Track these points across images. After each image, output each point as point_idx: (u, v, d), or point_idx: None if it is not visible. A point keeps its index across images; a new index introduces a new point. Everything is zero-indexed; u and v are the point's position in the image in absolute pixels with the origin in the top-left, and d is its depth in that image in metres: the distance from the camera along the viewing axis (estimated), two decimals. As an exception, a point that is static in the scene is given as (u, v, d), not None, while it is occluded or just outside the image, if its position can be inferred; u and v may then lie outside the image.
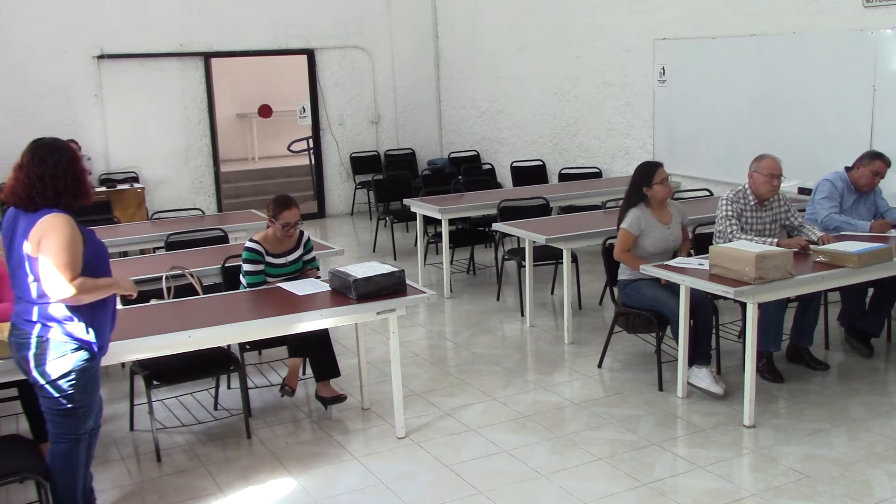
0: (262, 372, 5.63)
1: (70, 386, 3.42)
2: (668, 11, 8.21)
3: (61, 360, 3.39)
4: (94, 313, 3.45)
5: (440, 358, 5.92)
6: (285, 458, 4.43)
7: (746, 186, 5.30)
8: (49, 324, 3.37)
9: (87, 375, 3.46)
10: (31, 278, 3.36)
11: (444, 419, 4.84)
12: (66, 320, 3.38)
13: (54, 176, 3.34)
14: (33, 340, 3.38)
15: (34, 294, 3.37)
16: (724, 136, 7.77)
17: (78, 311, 3.39)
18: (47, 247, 3.28)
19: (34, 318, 3.38)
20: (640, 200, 5.24)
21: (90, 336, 3.43)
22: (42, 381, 3.41)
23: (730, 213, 5.22)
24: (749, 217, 5.27)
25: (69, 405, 3.45)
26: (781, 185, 5.28)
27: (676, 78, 8.22)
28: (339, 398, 4.96)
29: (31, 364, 3.40)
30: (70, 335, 3.39)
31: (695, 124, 8.11)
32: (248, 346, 4.92)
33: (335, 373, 4.98)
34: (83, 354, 3.42)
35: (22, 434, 4.32)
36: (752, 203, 5.27)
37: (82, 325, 3.41)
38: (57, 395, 3.42)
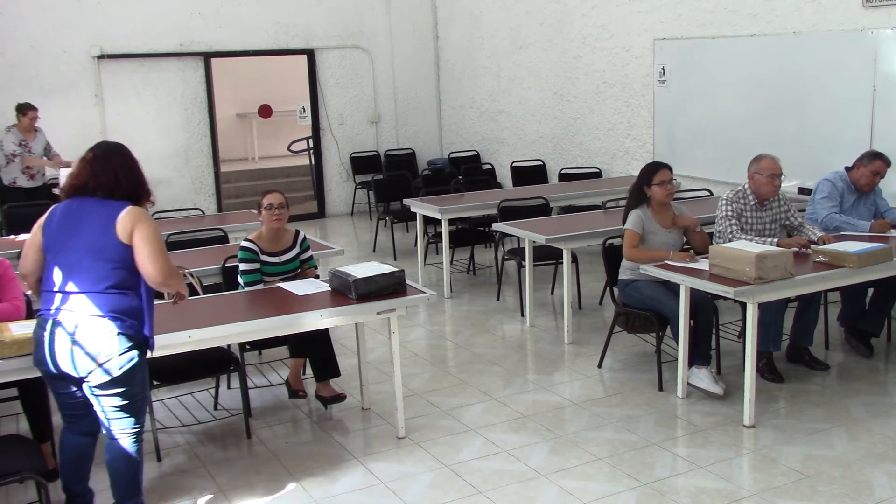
0: (262, 372, 5.63)
1: (135, 380, 3.48)
2: (668, 11, 8.21)
3: (128, 354, 3.42)
4: (151, 309, 3.54)
5: (440, 358, 5.92)
6: (285, 458, 4.43)
7: (746, 187, 5.31)
8: (120, 318, 3.40)
9: (145, 368, 3.55)
10: (111, 265, 3.39)
11: (444, 419, 4.84)
12: (135, 314, 3.43)
13: (127, 173, 3.50)
14: (105, 336, 3.38)
15: (113, 283, 3.39)
16: (724, 136, 7.77)
17: (143, 305, 3.47)
18: (144, 235, 3.40)
19: (106, 311, 3.38)
20: (641, 201, 5.23)
21: (148, 330, 3.50)
22: (111, 377, 3.41)
23: (729, 213, 5.22)
24: (749, 217, 5.28)
25: (134, 399, 3.50)
26: (782, 184, 5.28)
27: (676, 78, 8.22)
28: (339, 398, 4.96)
29: (101, 360, 3.38)
30: (136, 329, 3.44)
31: (695, 124, 8.11)
32: (248, 346, 4.91)
33: (335, 373, 4.98)
34: (143, 348, 3.49)
35: (22, 434, 4.32)
36: (753, 203, 5.28)
37: (145, 319, 3.47)
38: (122, 389, 3.45)
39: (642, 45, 8.55)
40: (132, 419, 3.54)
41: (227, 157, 12.66)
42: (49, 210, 3.57)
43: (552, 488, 4.01)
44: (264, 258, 4.97)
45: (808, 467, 4.12)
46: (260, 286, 4.88)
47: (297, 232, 5.15)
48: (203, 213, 7.99)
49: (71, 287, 3.40)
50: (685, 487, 3.98)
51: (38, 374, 3.66)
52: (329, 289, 4.57)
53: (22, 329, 3.68)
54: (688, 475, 4.09)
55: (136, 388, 3.51)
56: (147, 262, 3.40)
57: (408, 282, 4.56)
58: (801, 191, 6.87)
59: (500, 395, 5.17)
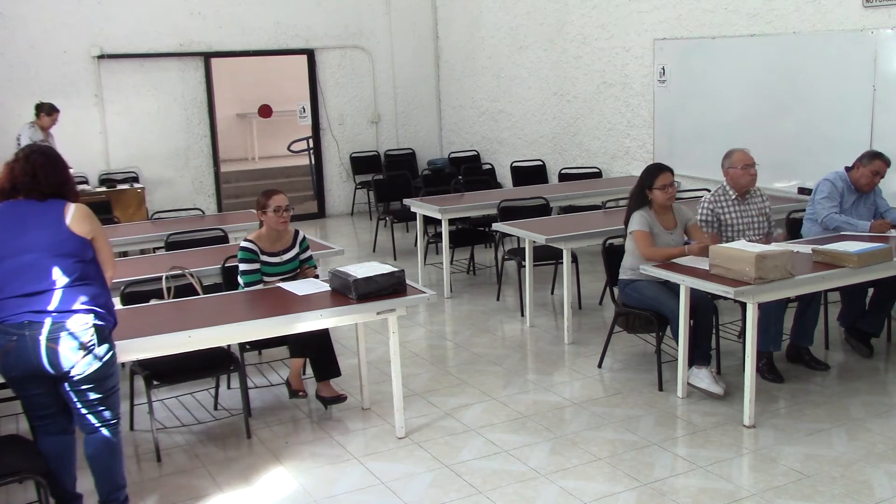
0: (262, 372, 5.63)
1: (113, 369, 3.55)
2: (668, 11, 8.21)
3: (106, 344, 3.48)
4: (110, 294, 3.64)
5: (440, 358, 5.92)
6: (285, 458, 4.44)
7: (724, 184, 5.45)
8: (93, 309, 3.44)
9: (116, 356, 3.59)
10: (72, 260, 3.43)
11: (444, 419, 4.84)
12: (102, 304, 3.49)
13: (54, 170, 3.55)
14: (85, 329, 3.41)
15: (79, 275, 3.43)
16: (724, 136, 7.74)
17: (105, 293, 3.56)
18: (103, 235, 3.58)
19: (79, 305, 3.41)
20: (643, 203, 5.21)
21: (113, 316, 3.58)
22: (94, 368, 3.44)
23: (704, 217, 5.40)
24: (732, 212, 5.38)
25: (113, 389, 3.57)
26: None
27: (676, 78, 8.22)
28: (340, 398, 4.96)
29: (84, 352, 3.41)
30: (106, 319, 3.50)
31: (695, 124, 8.11)
32: (248, 346, 4.92)
33: (336, 373, 4.98)
34: (112, 336, 3.56)
35: (22, 434, 4.31)
36: (734, 197, 5.40)
37: (111, 307, 3.56)
38: (103, 380, 3.50)
39: (642, 45, 8.55)
40: (111, 411, 3.58)
41: (227, 157, 12.67)
42: None
43: (552, 488, 4.01)
44: (264, 258, 4.97)
45: (808, 467, 4.12)
46: (260, 286, 4.88)
47: (297, 232, 5.15)
48: (203, 213, 7.98)
49: (38, 287, 3.38)
50: (685, 487, 3.98)
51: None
52: (329, 289, 4.57)
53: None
54: (688, 475, 4.09)
55: (114, 377, 3.58)
56: (108, 262, 3.61)
57: (408, 282, 4.56)
58: (801, 191, 6.86)
59: (500, 395, 5.17)
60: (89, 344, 3.41)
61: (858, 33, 6.53)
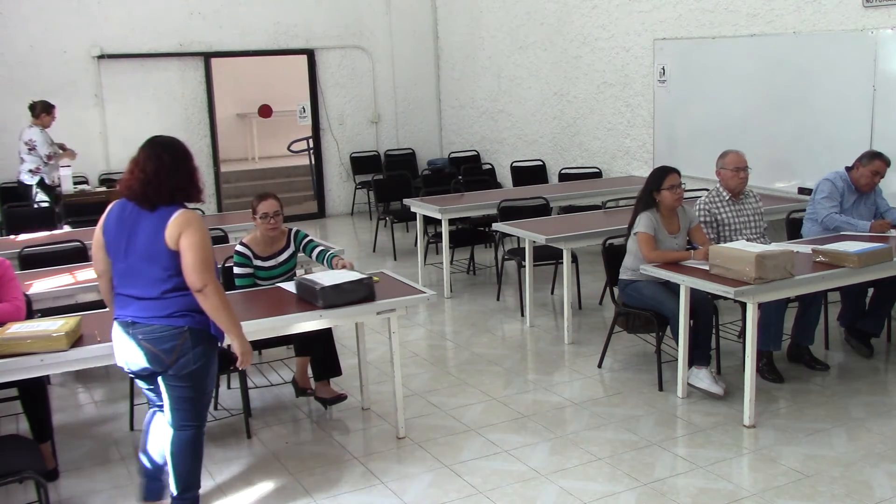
0: (262, 372, 5.63)
1: (207, 373, 3.57)
2: (668, 11, 8.21)
3: (200, 350, 3.50)
4: None
5: (440, 358, 5.92)
6: (285, 458, 4.44)
7: (718, 185, 5.50)
8: (189, 315, 3.45)
9: (216, 363, 3.63)
10: (169, 272, 3.42)
11: (444, 419, 4.84)
12: (201, 311, 3.47)
13: (169, 173, 3.44)
14: (174, 332, 3.44)
15: (170, 287, 3.43)
16: (724, 136, 7.75)
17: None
18: (190, 242, 3.39)
19: (172, 311, 3.43)
20: (650, 206, 5.20)
21: (214, 329, 3.56)
22: (184, 372, 3.49)
23: (703, 218, 5.42)
24: (727, 213, 5.41)
25: (203, 393, 3.61)
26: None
27: (676, 78, 8.22)
28: (340, 398, 4.96)
29: (173, 356, 3.45)
30: (206, 324, 3.50)
31: (695, 124, 8.11)
32: (248, 346, 4.91)
33: (336, 372, 4.98)
34: (214, 342, 3.57)
35: (22, 434, 4.32)
36: (727, 198, 5.46)
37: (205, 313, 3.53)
38: (193, 383, 3.54)
39: (642, 45, 8.55)
40: (198, 413, 3.63)
41: (227, 157, 12.66)
42: (108, 208, 3.58)
43: (552, 488, 4.01)
44: (257, 262, 4.97)
45: (808, 467, 4.12)
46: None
47: (290, 230, 5.13)
48: (203, 213, 7.97)
49: (138, 292, 3.46)
50: (685, 487, 3.98)
51: (36, 374, 3.72)
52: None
53: (21, 329, 3.68)
54: (688, 475, 4.09)
55: (205, 382, 3.60)
56: (188, 270, 3.39)
57: (408, 282, 4.56)
58: (801, 191, 6.86)
59: (500, 395, 5.17)
60: (182, 348, 3.45)
61: (858, 33, 6.53)
